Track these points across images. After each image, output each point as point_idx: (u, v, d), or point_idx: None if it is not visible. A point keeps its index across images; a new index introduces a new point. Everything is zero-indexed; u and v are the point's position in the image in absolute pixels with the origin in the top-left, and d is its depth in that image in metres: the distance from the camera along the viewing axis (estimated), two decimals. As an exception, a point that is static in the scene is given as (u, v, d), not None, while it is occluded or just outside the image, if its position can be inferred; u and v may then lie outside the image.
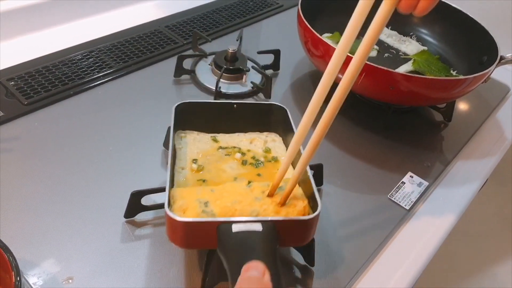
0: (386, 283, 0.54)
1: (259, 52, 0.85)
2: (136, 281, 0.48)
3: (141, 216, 0.55)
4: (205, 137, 0.59)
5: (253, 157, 0.56)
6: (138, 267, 0.50)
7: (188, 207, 0.44)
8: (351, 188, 0.64)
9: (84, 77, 0.75)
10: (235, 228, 0.41)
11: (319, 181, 0.62)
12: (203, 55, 0.84)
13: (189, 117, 0.58)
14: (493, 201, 1.66)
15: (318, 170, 0.62)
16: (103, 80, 0.76)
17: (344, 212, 0.61)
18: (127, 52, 0.83)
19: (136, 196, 0.53)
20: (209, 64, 0.82)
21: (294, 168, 0.47)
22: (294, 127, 0.56)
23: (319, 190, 0.63)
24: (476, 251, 1.52)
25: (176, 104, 0.57)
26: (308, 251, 0.52)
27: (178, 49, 0.86)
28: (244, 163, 0.55)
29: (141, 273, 0.49)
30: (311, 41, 0.74)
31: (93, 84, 0.74)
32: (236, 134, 0.60)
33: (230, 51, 0.78)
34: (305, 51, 0.78)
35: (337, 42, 0.84)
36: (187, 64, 0.81)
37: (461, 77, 0.77)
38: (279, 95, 0.80)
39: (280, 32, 0.99)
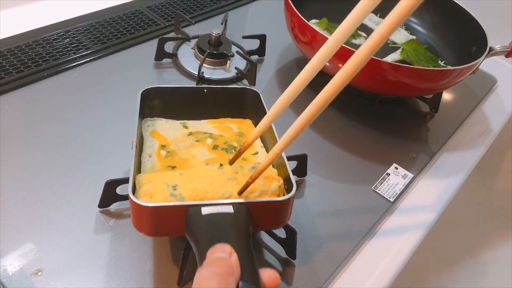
0: (370, 275, 0.53)
1: (244, 37, 0.82)
2: (110, 274, 0.46)
3: (116, 206, 0.52)
4: (175, 124, 0.56)
5: (225, 142, 0.54)
6: (113, 259, 0.48)
7: (155, 192, 0.41)
8: (335, 179, 0.63)
9: (59, 58, 0.71)
10: (205, 210, 0.39)
11: (303, 172, 0.61)
12: (186, 39, 0.80)
13: (158, 104, 0.56)
14: (477, 192, 1.67)
15: (302, 160, 0.60)
16: (80, 62, 0.72)
17: (327, 204, 0.59)
18: (105, 33, 0.79)
19: (111, 185, 0.50)
20: (192, 48, 0.79)
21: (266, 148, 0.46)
22: (267, 111, 0.53)
23: (303, 181, 0.61)
24: (458, 241, 1.54)
25: (142, 90, 0.53)
26: (289, 244, 0.51)
27: (160, 31, 0.83)
28: (215, 148, 0.52)
29: (116, 266, 0.47)
30: (298, 27, 0.72)
31: (68, 66, 0.71)
32: (208, 120, 0.57)
33: (214, 35, 0.75)
34: (292, 37, 0.76)
35: (325, 29, 0.82)
36: (168, 47, 0.78)
37: (450, 67, 0.75)
38: (264, 81, 0.78)
39: (267, 16, 0.96)
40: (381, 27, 0.31)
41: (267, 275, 0.34)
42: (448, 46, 0.85)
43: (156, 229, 0.41)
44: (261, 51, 0.82)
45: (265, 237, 0.52)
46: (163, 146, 0.51)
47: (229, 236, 0.37)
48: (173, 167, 0.49)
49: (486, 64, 0.89)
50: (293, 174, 0.60)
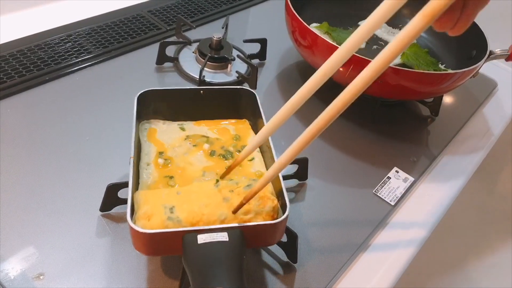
0: (370, 279, 0.53)
1: (245, 41, 0.82)
2: (111, 278, 0.46)
3: (117, 210, 0.53)
4: (172, 126, 0.56)
5: (222, 147, 0.54)
6: (114, 263, 0.48)
7: (153, 214, 0.42)
8: (336, 183, 0.63)
9: (61, 62, 0.72)
10: (200, 239, 0.40)
11: (304, 176, 0.61)
12: (187, 42, 0.81)
13: (155, 106, 0.55)
14: (477, 196, 1.67)
15: (303, 164, 0.60)
16: (81, 66, 0.72)
17: (328, 207, 0.59)
18: (107, 37, 0.79)
19: (113, 189, 0.50)
20: (193, 52, 0.79)
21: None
22: (262, 112, 0.54)
23: (303, 185, 0.61)
24: (459, 244, 1.53)
25: (139, 93, 0.54)
26: (290, 248, 0.51)
27: (161, 35, 0.83)
28: (212, 154, 0.53)
29: (117, 270, 0.47)
30: (299, 31, 0.72)
31: (70, 70, 0.71)
32: (204, 121, 0.58)
33: (215, 38, 0.76)
34: (292, 41, 0.76)
35: (325, 32, 0.82)
36: (170, 51, 0.78)
37: (450, 71, 0.76)
38: (265, 85, 0.78)
39: (267, 20, 0.96)
40: (399, 36, 0.31)
41: None
42: (448, 50, 0.85)
43: (154, 251, 0.42)
44: (262, 55, 0.83)
45: (266, 240, 0.52)
46: (160, 153, 0.52)
47: (224, 268, 0.38)
48: (171, 177, 0.49)
49: (486, 68, 0.89)
50: (294, 177, 0.61)
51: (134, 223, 0.41)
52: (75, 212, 0.52)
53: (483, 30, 0.76)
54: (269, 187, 0.47)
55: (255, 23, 0.95)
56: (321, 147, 0.68)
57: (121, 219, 0.52)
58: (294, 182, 0.61)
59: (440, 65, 0.81)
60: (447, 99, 0.85)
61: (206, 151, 0.53)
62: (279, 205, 0.46)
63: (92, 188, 0.54)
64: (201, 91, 0.57)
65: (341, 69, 0.67)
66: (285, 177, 0.60)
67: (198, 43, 0.79)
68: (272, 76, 0.81)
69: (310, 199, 0.60)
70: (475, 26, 0.78)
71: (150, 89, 0.54)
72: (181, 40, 0.82)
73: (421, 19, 0.30)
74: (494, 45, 0.73)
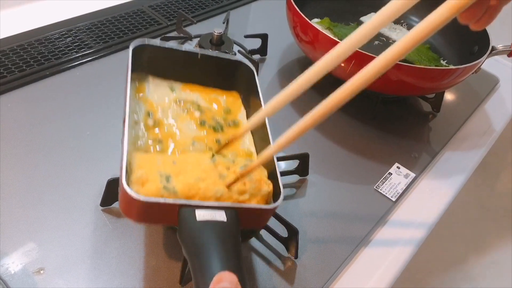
0: (372, 274, 0.53)
1: (246, 36, 0.82)
2: (112, 273, 0.46)
3: (118, 205, 0.52)
4: (162, 85, 0.54)
5: (213, 118, 0.52)
6: (115, 258, 0.48)
7: (148, 180, 0.40)
8: (337, 178, 0.63)
9: (62, 57, 0.71)
10: (199, 216, 0.39)
11: (304, 171, 0.61)
12: (188, 38, 0.80)
13: (148, 62, 0.53)
14: (478, 192, 1.67)
15: (304, 160, 0.60)
16: (82, 61, 0.72)
17: (329, 203, 0.59)
18: (107, 32, 0.79)
19: (113, 184, 0.50)
20: (193, 47, 0.79)
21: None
22: (259, 90, 0.53)
23: (304, 180, 0.61)
24: (459, 241, 1.53)
25: (134, 45, 0.51)
26: (291, 243, 0.51)
27: (162, 30, 0.83)
28: (202, 123, 0.51)
29: (118, 264, 0.47)
30: (300, 26, 0.72)
31: (71, 65, 0.71)
32: (195, 87, 0.55)
33: (216, 34, 0.75)
34: (294, 36, 0.76)
35: (327, 28, 0.82)
36: (170, 46, 0.77)
37: (452, 67, 0.75)
38: (266, 81, 0.78)
39: (269, 16, 0.96)
40: (411, 33, 0.30)
41: None
42: (450, 46, 0.84)
43: (145, 219, 0.41)
44: (263, 50, 0.82)
45: (266, 235, 0.52)
46: (149, 114, 0.49)
47: (222, 248, 0.37)
48: (160, 141, 0.47)
49: (488, 64, 0.88)
50: (295, 173, 0.61)
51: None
52: (76, 207, 0.52)
53: (485, 26, 0.76)
54: (265, 172, 0.46)
55: (256, 18, 0.95)
56: (322, 143, 0.68)
57: (121, 214, 0.52)
58: (295, 177, 0.61)
59: (441, 61, 0.81)
60: (449, 95, 0.85)
61: (196, 119, 0.51)
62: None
63: (93, 183, 0.54)
64: (199, 55, 0.54)
65: (342, 64, 0.67)
66: (286, 173, 0.60)
67: (199, 39, 0.78)
68: (273, 71, 0.81)
69: (311, 194, 0.59)
70: (477, 22, 0.78)
71: (147, 43, 0.52)
72: (182, 35, 0.81)
73: (447, 10, 0.30)
74: (496, 41, 0.73)
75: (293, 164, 0.61)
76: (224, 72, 0.56)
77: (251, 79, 0.55)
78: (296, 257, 0.50)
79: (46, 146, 0.58)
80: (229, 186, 0.42)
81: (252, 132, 0.53)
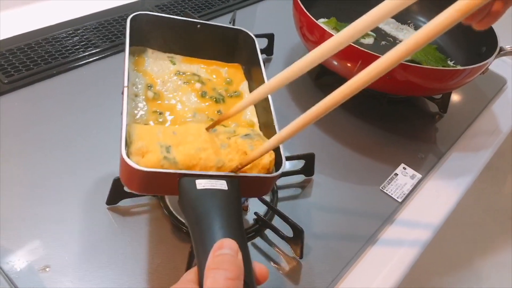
0: (377, 275, 0.53)
1: (252, 36, 0.82)
2: (117, 271, 0.46)
3: (124, 203, 0.53)
4: (161, 57, 0.53)
5: (214, 89, 0.51)
6: (120, 256, 0.48)
7: (149, 151, 0.40)
8: (342, 179, 0.63)
9: (69, 56, 0.72)
10: (199, 185, 0.38)
11: (310, 171, 0.61)
12: (194, 37, 0.80)
13: (146, 34, 0.52)
14: (485, 194, 1.66)
15: (309, 160, 0.60)
16: (89, 60, 0.72)
17: (335, 203, 0.59)
18: (114, 32, 0.79)
19: (119, 182, 0.50)
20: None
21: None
22: (261, 60, 0.52)
23: (310, 180, 0.61)
24: (464, 242, 1.53)
25: (132, 15, 0.50)
26: (296, 243, 0.50)
27: (168, 30, 0.83)
28: (203, 94, 0.50)
29: (123, 263, 0.47)
30: (307, 26, 0.71)
31: (77, 64, 0.71)
32: (195, 59, 0.54)
33: (222, 33, 0.75)
34: (300, 36, 0.76)
35: (334, 28, 0.81)
36: (177, 45, 0.78)
37: (459, 67, 0.75)
38: (272, 81, 0.77)
39: (275, 15, 0.96)
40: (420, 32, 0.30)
41: (258, 269, 0.34)
42: (457, 46, 0.84)
43: (146, 189, 0.41)
44: (269, 50, 0.82)
45: (271, 235, 0.52)
46: (149, 86, 0.49)
47: (223, 219, 0.36)
48: (160, 113, 0.46)
49: (496, 65, 0.88)
50: (300, 173, 0.60)
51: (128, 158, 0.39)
52: (82, 205, 0.52)
53: (493, 26, 0.75)
54: (267, 141, 0.45)
55: (263, 18, 0.95)
56: (328, 143, 0.68)
57: (127, 212, 0.52)
58: (300, 177, 0.61)
59: (449, 62, 0.80)
60: (456, 95, 0.84)
61: (197, 90, 0.50)
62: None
63: (99, 181, 0.54)
64: (198, 25, 0.53)
65: (348, 64, 0.67)
66: (292, 173, 0.60)
67: (205, 38, 0.78)
68: (279, 71, 0.80)
69: (317, 195, 0.59)
70: (485, 22, 0.77)
71: (144, 12, 0.51)
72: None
73: (453, 13, 0.30)
74: (504, 41, 0.72)
75: (299, 164, 0.60)
76: (225, 43, 0.55)
77: (252, 49, 0.54)
78: (301, 257, 0.50)
79: (53, 144, 0.58)
80: (236, 171, 0.42)
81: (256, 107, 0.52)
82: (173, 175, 0.38)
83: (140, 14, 0.50)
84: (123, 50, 0.77)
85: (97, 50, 0.74)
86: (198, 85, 0.51)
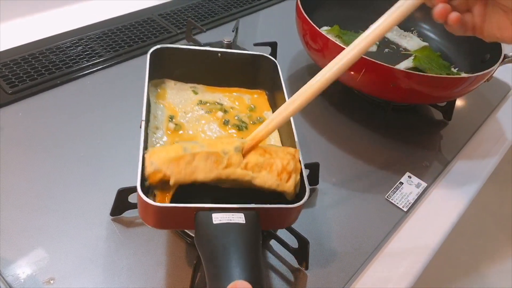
0: (384, 286, 0.52)
1: (256, 44, 0.82)
2: (121, 282, 0.46)
3: (128, 214, 0.52)
4: (184, 88, 0.53)
5: (236, 117, 0.51)
6: (124, 268, 0.47)
7: (169, 150, 0.40)
8: (347, 188, 0.62)
9: (72, 66, 0.72)
10: (216, 219, 0.37)
11: (315, 180, 0.60)
12: (197, 46, 0.81)
13: (167, 66, 0.52)
14: (490, 201, 1.65)
15: (314, 169, 0.59)
16: (92, 70, 0.72)
17: (339, 213, 0.58)
18: (118, 41, 0.79)
19: (123, 194, 0.50)
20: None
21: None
22: (283, 83, 0.52)
23: (314, 190, 0.60)
24: (470, 249, 1.51)
25: (152, 49, 0.50)
26: (302, 254, 0.50)
27: (171, 38, 0.83)
28: (225, 123, 0.50)
29: (127, 274, 0.47)
30: (310, 34, 0.71)
31: (81, 74, 0.71)
32: (219, 88, 0.55)
33: (225, 42, 0.75)
34: (303, 44, 0.76)
35: (337, 36, 0.81)
36: (180, 54, 0.78)
37: (464, 75, 0.75)
38: (275, 89, 0.77)
39: (278, 23, 0.96)
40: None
41: None
42: (461, 53, 0.84)
43: (163, 224, 0.41)
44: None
45: (276, 246, 0.52)
46: (171, 118, 0.49)
47: (241, 256, 0.35)
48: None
49: (500, 72, 0.87)
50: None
51: (148, 158, 0.40)
52: (86, 216, 0.52)
53: (497, 33, 0.75)
54: (292, 162, 0.44)
55: (265, 26, 0.95)
56: (332, 152, 0.67)
57: (131, 223, 0.52)
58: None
59: (453, 69, 0.80)
60: (460, 103, 0.84)
61: (219, 119, 0.50)
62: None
63: (103, 192, 0.54)
64: (219, 54, 0.54)
65: (352, 72, 0.67)
66: (296, 182, 0.60)
67: (208, 47, 0.78)
68: (282, 79, 0.80)
69: (321, 204, 0.59)
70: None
71: (165, 46, 0.52)
72: (191, 43, 0.82)
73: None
74: (508, 48, 0.72)
75: (303, 173, 0.60)
76: (247, 69, 0.55)
77: (274, 74, 0.54)
78: (306, 268, 0.50)
79: (57, 154, 0.58)
80: (245, 154, 0.42)
81: (278, 129, 0.51)
82: (189, 209, 0.38)
83: (160, 47, 0.51)
84: (127, 59, 0.78)
85: (101, 59, 0.74)
86: (220, 114, 0.51)
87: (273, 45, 0.82)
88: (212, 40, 0.80)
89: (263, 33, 0.91)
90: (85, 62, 0.73)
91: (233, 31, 0.85)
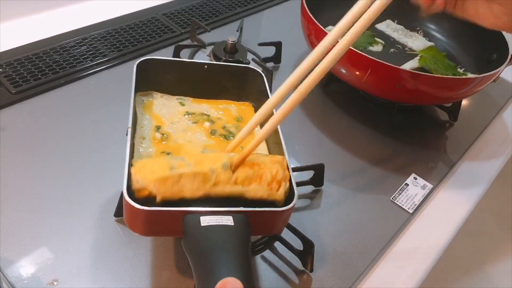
0: (388, 289, 0.52)
1: (260, 44, 0.82)
2: (126, 284, 0.46)
3: (131, 216, 0.52)
4: (171, 100, 0.53)
5: (224, 127, 0.51)
6: (128, 269, 0.47)
7: (154, 171, 0.39)
8: (352, 189, 0.62)
9: (76, 65, 0.72)
10: (204, 221, 0.37)
11: (319, 182, 0.60)
12: (202, 46, 0.80)
13: (154, 78, 0.52)
14: (496, 202, 1.64)
15: (319, 170, 0.59)
16: (96, 69, 0.72)
17: (344, 215, 0.58)
18: (122, 40, 0.79)
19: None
20: (207, 55, 0.79)
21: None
22: (270, 95, 0.51)
23: (319, 191, 0.60)
24: (474, 250, 1.51)
25: (138, 61, 0.51)
26: (306, 256, 0.50)
27: (176, 38, 0.83)
28: (213, 133, 0.50)
29: (131, 276, 0.47)
30: (315, 34, 0.71)
31: (85, 73, 0.71)
32: (206, 100, 0.55)
33: (229, 42, 0.75)
34: (308, 44, 0.75)
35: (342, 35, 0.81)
36: (184, 54, 0.78)
37: (470, 75, 0.74)
38: (280, 89, 0.77)
39: (282, 23, 0.95)
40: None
41: None
42: (467, 53, 0.83)
43: (151, 230, 0.40)
44: (277, 58, 0.82)
45: (281, 248, 0.52)
46: (157, 128, 0.49)
47: (228, 257, 0.35)
48: (168, 153, 0.46)
49: (507, 72, 0.87)
50: (309, 184, 0.60)
51: (134, 175, 0.39)
52: (90, 217, 0.51)
53: (504, 34, 0.75)
54: (280, 171, 0.44)
55: (270, 25, 0.94)
56: (337, 153, 0.67)
57: (135, 224, 0.52)
58: (309, 188, 0.60)
59: (459, 69, 0.79)
60: (466, 103, 0.83)
61: (207, 129, 0.50)
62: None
63: (107, 193, 0.54)
64: (205, 66, 0.54)
65: (357, 73, 0.66)
66: (300, 183, 0.59)
67: (212, 46, 0.78)
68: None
69: (326, 206, 0.58)
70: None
71: (151, 57, 0.52)
72: (195, 43, 0.81)
73: None
74: (516, 48, 0.72)
75: (308, 174, 0.60)
76: (234, 81, 0.55)
77: (261, 86, 0.54)
78: (311, 270, 0.50)
79: (61, 154, 0.58)
80: (234, 170, 0.41)
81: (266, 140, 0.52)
82: (177, 213, 0.38)
83: (146, 59, 0.51)
84: (131, 58, 0.77)
85: (105, 59, 0.74)
86: (207, 124, 0.51)
87: (278, 45, 0.81)
88: (217, 39, 0.80)
89: (267, 32, 0.91)
90: (89, 61, 0.73)
91: (237, 30, 0.85)
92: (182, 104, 0.53)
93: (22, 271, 0.45)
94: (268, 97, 0.52)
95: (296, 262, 0.51)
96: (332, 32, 0.39)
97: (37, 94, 0.66)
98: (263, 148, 0.51)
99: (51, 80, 0.68)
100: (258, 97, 0.55)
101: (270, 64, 0.81)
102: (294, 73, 0.41)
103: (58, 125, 0.62)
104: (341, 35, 0.39)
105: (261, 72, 0.55)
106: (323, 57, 0.39)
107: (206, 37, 0.82)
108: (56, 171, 0.56)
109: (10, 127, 0.60)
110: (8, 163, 0.56)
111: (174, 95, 0.55)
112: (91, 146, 0.60)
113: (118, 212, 0.51)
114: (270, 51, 0.81)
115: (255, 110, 0.56)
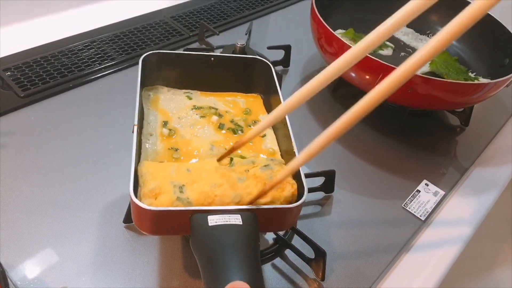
0: (400, 299, 0.51)
1: (269, 48, 0.81)
2: (134, 293, 0.45)
3: (140, 221, 0.51)
4: (178, 93, 0.53)
5: (232, 121, 0.50)
6: (138, 276, 0.47)
7: (161, 192, 0.39)
8: (363, 196, 0.61)
9: (85, 69, 0.71)
10: (211, 221, 0.36)
11: (330, 188, 0.59)
12: (210, 49, 0.80)
13: (160, 71, 0.52)
14: (508, 208, 1.63)
15: (330, 176, 0.58)
16: (105, 73, 0.72)
17: (355, 222, 0.57)
18: (130, 43, 0.79)
19: (137, 201, 0.49)
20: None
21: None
22: (278, 86, 0.51)
23: (330, 197, 0.59)
24: (486, 255, 1.49)
25: (144, 55, 0.50)
26: (318, 265, 0.49)
27: (184, 41, 0.82)
28: (221, 127, 0.49)
29: (141, 283, 0.46)
30: (325, 37, 0.70)
31: (94, 77, 0.71)
32: (213, 93, 0.54)
33: (238, 45, 0.74)
34: (318, 47, 0.74)
35: (351, 39, 0.80)
36: (193, 57, 0.77)
37: (483, 80, 0.73)
38: (289, 92, 0.75)
39: (291, 26, 0.94)
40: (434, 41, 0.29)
41: None
42: (478, 57, 0.82)
43: (158, 230, 0.39)
44: (285, 61, 0.81)
45: (291, 256, 0.51)
46: (164, 123, 0.48)
47: (236, 258, 0.34)
48: (176, 149, 0.46)
49: (518, 76, 0.85)
50: (320, 190, 0.59)
51: (140, 200, 0.38)
52: (99, 223, 0.51)
53: (517, 38, 0.74)
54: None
55: (279, 28, 0.94)
56: (348, 158, 0.66)
57: (144, 231, 0.51)
58: (320, 194, 0.59)
59: (470, 74, 0.78)
60: (478, 108, 0.82)
61: (214, 123, 0.50)
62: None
63: (116, 198, 0.53)
64: (212, 58, 0.53)
65: (367, 77, 0.66)
66: (311, 190, 0.59)
67: (221, 50, 0.77)
68: (296, 82, 0.79)
69: (337, 212, 0.58)
70: (507, 33, 0.75)
71: (156, 51, 0.51)
72: (204, 46, 0.81)
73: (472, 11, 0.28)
74: (529, 53, 0.70)
75: (319, 180, 0.59)
76: (241, 73, 0.54)
77: (269, 77, 0.53)
78: (323, 279, 0.49)
79: (69, 159, 0.58)
80: (252, 202, 0.40)
81: (274, 130, 0.51)
82: (184, 212, 0.37)
83: (152, 53, 0.50)
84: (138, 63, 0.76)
85: (113, 62, 0.74)
86: (215, 118, 0.50)
87: (287, 49, 0.81)
88: (225, 42, 0.79)
89: (276, 35, 0.90)
90: (98, 65, 0.73)
91: (246, 33, 0.84)
92: (189, 98, 0.53)
93: (30, 278, 0.45)
94: (276, 88, 0.51)
95: (307, 270, 0.50)
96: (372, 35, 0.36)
97: (46, 98, 0.66)
98: (272, 141, 0.50)
99: (60, 83, 0.68)
100: (266, 89, 0.54)
101: (279, 68, 0.80)
102: (309, 83, 0.39)
103: (67, 129, 0.62)
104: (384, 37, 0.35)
105: (270, 63, 0.53)
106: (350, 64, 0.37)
107: (214, 40, 0.82)
108: (65, 175, 0.55)
109: (19, 131, 0.60)
110: (16, 167, 0.55)
111: (181, 88, 0.54)
112: (100, 150, 0.60)
113: (128, 219, 0.51)
114: (279, 54, 0.81)
115: (264, 102, 0.55)
